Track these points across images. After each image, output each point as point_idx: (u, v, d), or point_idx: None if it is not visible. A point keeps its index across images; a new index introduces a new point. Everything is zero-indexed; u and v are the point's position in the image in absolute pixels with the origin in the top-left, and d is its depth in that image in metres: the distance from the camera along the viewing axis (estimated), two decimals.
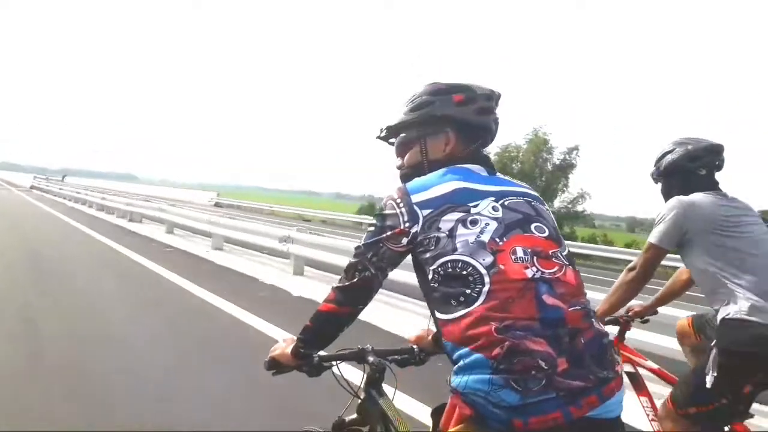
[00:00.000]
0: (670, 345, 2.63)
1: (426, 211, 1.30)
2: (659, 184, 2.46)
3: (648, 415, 2.39)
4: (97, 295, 6.27)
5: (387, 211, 1.35)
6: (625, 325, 2.64)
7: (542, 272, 1.23)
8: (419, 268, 1.33)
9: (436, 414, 1.35)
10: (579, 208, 26.65)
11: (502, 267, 1.21)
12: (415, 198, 1.33)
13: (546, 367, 1.11)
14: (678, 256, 2.31)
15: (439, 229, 1.28)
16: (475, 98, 1.46)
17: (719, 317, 2.08)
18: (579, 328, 1.18)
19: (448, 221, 1.28)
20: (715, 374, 2.00)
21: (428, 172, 1.43)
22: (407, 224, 1.31)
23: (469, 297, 1.20)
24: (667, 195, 2.37)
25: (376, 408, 1.54)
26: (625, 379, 2.24)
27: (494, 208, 1.31)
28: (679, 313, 2.88)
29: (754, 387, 2.01)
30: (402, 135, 1.55)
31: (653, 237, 2.25)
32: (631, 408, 1.96)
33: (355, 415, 1.64)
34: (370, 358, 1.54)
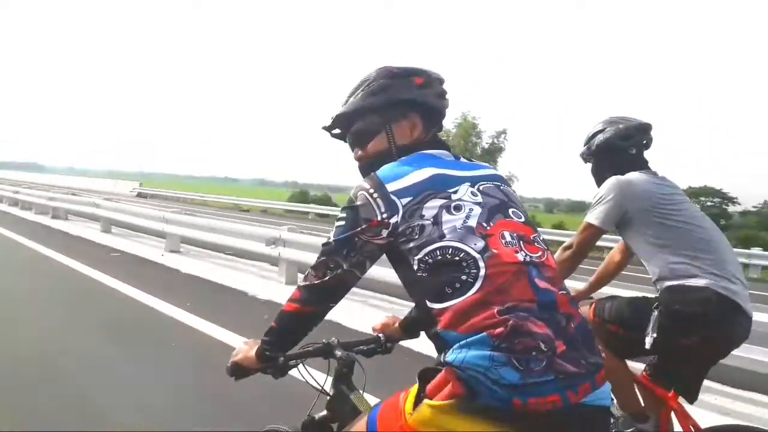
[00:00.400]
0: None
1: (405, 200, 1.28)
2: (589, 164, 2.48)
3: None
4: (44, 324, 4.64)
5: (359, 203, 1.31)
6: None
7: (530, 256, 1.24)
8: (399, 259, 1.29)
9: (424, 378, 1.22)
10: None
11: (495, 251, 1.21)
12: (391, 187, 1.30)
13: (546, 349, 1.11)
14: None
15: (422, 216, 1.26)
16: (431, 82, 1.47)
17: (665, 285, 2.12)
18: (570, 312, 1.21)
19: (431, 208, 1.26)
20: (654, 335, 2.08)
21: (397, 158, 1.41)
22: (385, 215, 1.28)
23: (465, 283, 1.18)
24: (598, 174, 2.41)
25: (347, 403, 1.50)
26: None
27: (473, 194, 1.31)
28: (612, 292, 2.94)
29: (692, 350, 2.05)
30: (359, 123, 1.48)
31: (593, 217, 2.28)
32: None
33: (325, 413, 1.58)
34: (338, 352, 1.52)
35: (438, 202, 1.25)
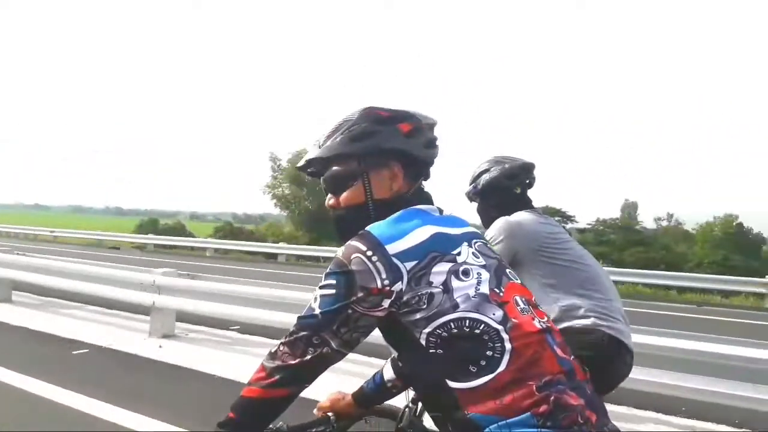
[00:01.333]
0: None
1: (409, 264, 1.12)
2: (476, 205, 2.52)
3: None
4: None
5: (354, 267, 1.12)
6: None
7: (542, 322, 1.18)
8: (400, 332, 1.14)
9: None
10: None
11: (515, 320, 1.12)
12: (392, 248, 1.13)
13: (583, 421, 1.07)
14: None
15: (430, 283, 1.12)
16: (421, 129, 1.32)
17: (557, 328, 1.94)
18: (585, 378, 1.18)
19: (438, 273, 1.13)
20: None
21: (373, 213, 1.26)
22: (387, 282, 1.11)
23: (491, 359, 1.08)
24: (484, 213, 2.47)
25: None
26: None
27: (474, 255, 1.20)
28: None
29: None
30: (334, 168, 1.31)
31: None
32: None
33: None
34: None
35: (445, 266, 1.14)
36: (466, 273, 1.14)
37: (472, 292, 1.12)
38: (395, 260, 1.11)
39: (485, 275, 1.16)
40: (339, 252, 1.16)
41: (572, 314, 2.13)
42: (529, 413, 1.04)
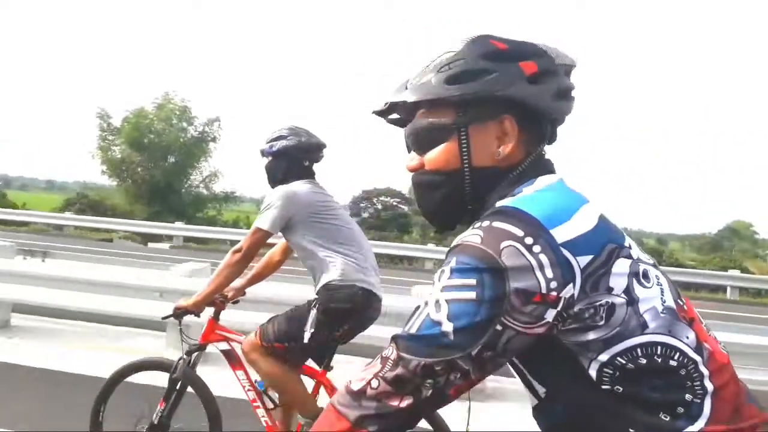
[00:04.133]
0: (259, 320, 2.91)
1: (584, 259, 0.80)
2: (266, 161, 2.81)
3: (244, 386, 2.73)
4: None
5: (507, 262, 0.78)
6: (220, 305, 2.83)
7: (721, 345, 0.91)
8: (558, 359, 0.83)
9: None
10: (216, 188, 26.53)
11: (708, 347, 0.85)
12: (559, 235, 0.80)
13: None
14: None
15: (610, 290, 0.80)
16: (554, 71, 0.95)
17: (321, 283, 2.62)
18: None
19: (619, 275, 0.81)
20: (312, 330, 2.54)
21: (468, 186, 0.94)
22: (554, 284, 0.78)
23: (690, 405, 0.80)
24: (271, 173, 2.78)
25: None
26: (222, 356, 2.77)
27: (639, 248, 0.90)
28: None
29: (342, 336, 2.63)
30: (422, 118, 0.97)
31: (262, 222, 2.63)
32: (232, 381, 2.74)
33: None
34: None
35: (625, 265, 0.83)
36: (646, 276, 0.85)
37: (659, 305, 0.84)
38: (565, 252, 0.80)
39: (663, 281, 0.88)
40: (472, 237, 0.83)
41: (334, 270, 2.61)
42: None
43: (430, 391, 0.80)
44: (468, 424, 1.11)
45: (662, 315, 0.82)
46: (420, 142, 0.98)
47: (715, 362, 0.84)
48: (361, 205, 27.66)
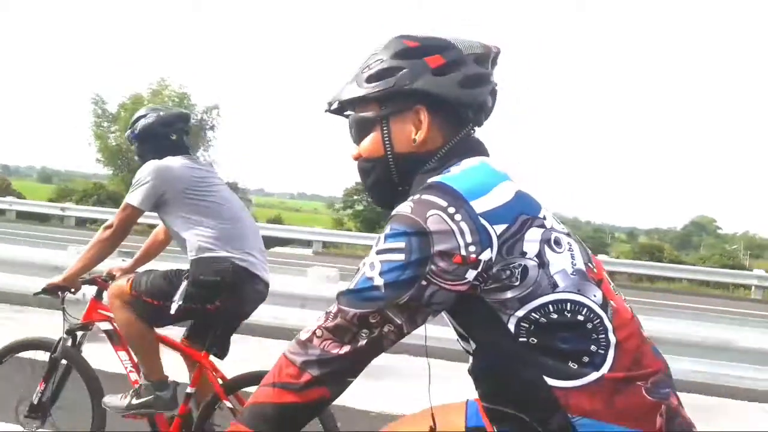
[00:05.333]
0: None
1: (499, 227, 0.94)
2: (135, 148, 2.78)
3: (126, 367, 2.67)
4: None
5: (432, 227, 0.92)
6: (102, 284, 2.76)
7: (626, 301, 1.05)
8: (482, 315, 0.96)
9: None
10: None
11: (614, 304, 0.98)
12: (478, 206, 0.94)
13: (687, 424, 0.99)
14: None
15: (523, 253, 0.94)
16: (460, 62, 1.07)
17: (193, 257, 2.54)
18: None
19: (531, 242, 0.95)
20: (181, 302, 2.47)
21: (394, 169, 1.09)
22: (472, 248, 0.92)
23: (594, 355, 0.93)
24: (141, 157, 2.71)
25: None
26: (104, 335, 2.72)
27: (556, 220, 1.03)
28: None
29: (213, 312, 2.52)
30: (353, 112, 1.14)
31: (132, 199, 2.56)
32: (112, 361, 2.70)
33: None
34: None
35: (537, 233, 0.96)
36: (557, 243, 0.98)
37: (569, 267, 0.97)
38: (483, 221, 0.93)
39: (575, 246, 1.01)
40: (404, 208, 0.97)
41: (208, 247, 2.53)
42: (640, 430, 0.93)
43: (366, 341, 0.93)
44: (434, 421, 1.19)
45: (572, 276, 0.95)
46: (355, 134, 1.14)
47: (619, 318, 0.97)
48: (355, 197, 27.31)
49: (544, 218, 0.99)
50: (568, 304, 0.94)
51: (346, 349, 0.93)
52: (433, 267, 0.91)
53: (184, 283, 2.52)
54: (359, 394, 2.33)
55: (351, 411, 3.33)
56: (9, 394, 2.71)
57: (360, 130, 1.13)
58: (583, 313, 0.94)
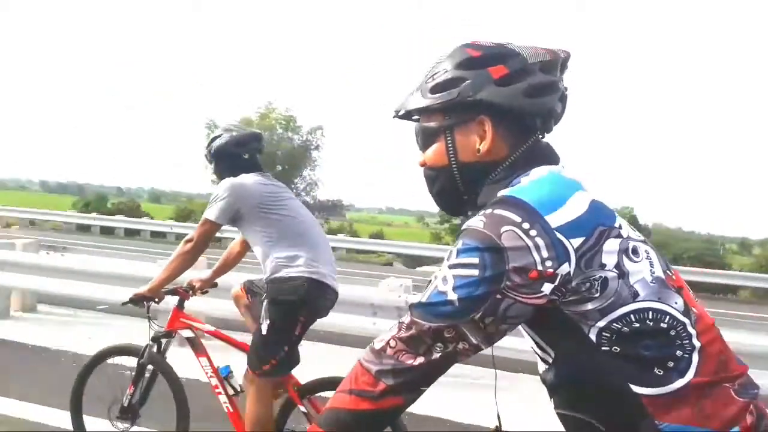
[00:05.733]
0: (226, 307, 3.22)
1: (576, 241, 0.93)
2: (211, 167, 2.94)
3: (207, 372, 2.82)
4: None
5: (506, 243, 0.91)
6: (184, 294, 2.96)
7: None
8: (562, 327, 0.96)
9: None
10: (320, 196, 27.22)
11: (695, 311, 0.98)
12: (553, 220, 0.93)
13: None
14: None
15: (603, 266, 0.93)
16: (523, 71, 1.06)
17: (269, 277, 2.66)
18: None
19: (610, 253, 0.94)
20: (268, 321, 2.60)
21: (459, 179, 1.10)
22: (549, 263, 0.90)
23: (680, 360, 0.92)
24: (217, 174, 2.88)
25: None
26: (186, 343, 2.90)
27: (631, 227, 1.02)
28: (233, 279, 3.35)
29: (301, 329, 2.65)
30: (422, 121, 1.14)
31: (210, 214, 2.71)
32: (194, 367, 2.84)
33: None
34: None
35: (615, 244, 0.95)
36: (635, 251, 0.97)
37: (648, 276, 0.96)
38: (559, 235, 0.92)
39: (653, 254, 1.00)
40: (476, 222, 0.95)
41: (282, 265, 2.64)
42: (737, 428, 0.92)
43: (440, 354, 0.93)
44: (499, 422, 1.20)
45: (651, 284, 0.95)
46: (421, 142, 1.15)
47: (702, 323, 0.96)
48: None
49: (620, 227, 0.98)
50: (650, 313, 0.93)
51: (420, 360, 0.94)
52: (508, 282, 0.91)
53: (265, 304, 2.66)
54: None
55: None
56: (104, 396, 2.89)
57: (425, 139, 1.14)
58: (666, 320, 0.94)
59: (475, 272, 0.91)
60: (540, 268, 0.90)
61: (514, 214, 0.93)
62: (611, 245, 0.94)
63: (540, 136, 1.11)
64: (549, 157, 1.09)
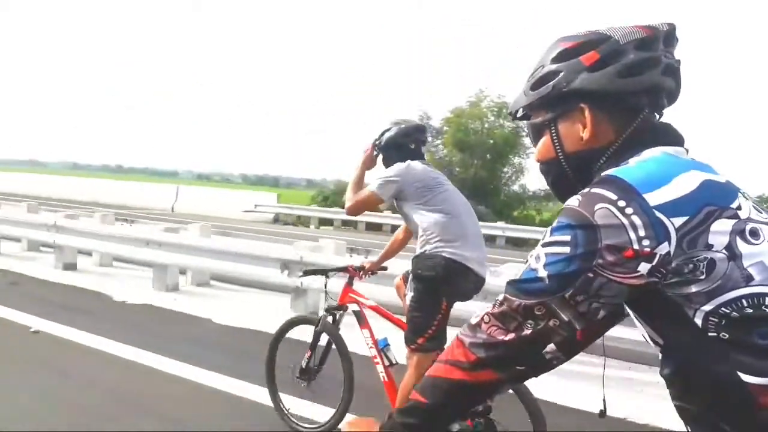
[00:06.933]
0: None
1: (678, 220, 0.90)
2: (381, 157, 3.26)
3: (368, 343, 3.21)
4: None
5: (600, 221, 0.91)
6: (354, 273, 3.41)
7: None
8: (664, 309, 0.92)
9: None
10: (530, 186, 25.88)
11: None
12: (652, 198, 0.91)
13: None
14: None
15: (709, 246, 0.89)
16: (617, 53, 1.05)
17: (417, 252, 3.01)
18: None
19: (719, 233, 0.89)
20: (411, 293, 2.94)
21: (570, 169, 1.12)
22: (646, 242, 0.89)
23: None
24: (386, 162, 3.22)
25: None
26: (353, 316, 3.30)
27: (756, 209, 0.96)
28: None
29: (444, 307, 2.91)
30: (531, 118, 1.19)
31: (376, 187, 3.08)
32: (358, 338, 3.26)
33: None
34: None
35: (727, 224, 0.91)
36: (754, 234, 0.92)
37: (766, 258, 0.91)
38: (658, 214, 0.90)
39: None
40: (572, 201, 0.97)
41: (429, 243, 2.97)
42: None
43: (530, 331, 0.95)
44: (605, 406, 1.26)
45: None
46: (532, 139, 1.21)
47: None
48: None
49: (739, 208, 0.94)
50: (766, 299, 0.88)
51: (511, 336, 0.96)
52: (600, 261, 0.90)
53: (410, 278, 3.02)
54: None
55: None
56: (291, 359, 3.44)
57: (535, 135, 1.18)
58: None
59: (567, 249, 0.92)
60: (636, 247, 0.89)
61: (609, 191, 0.93)
62: (721, 225, 0.90)
63: (653, 116, 1.10)
64: (666, 137, 1.07)
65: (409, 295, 2.96)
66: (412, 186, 3.05)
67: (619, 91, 1.06)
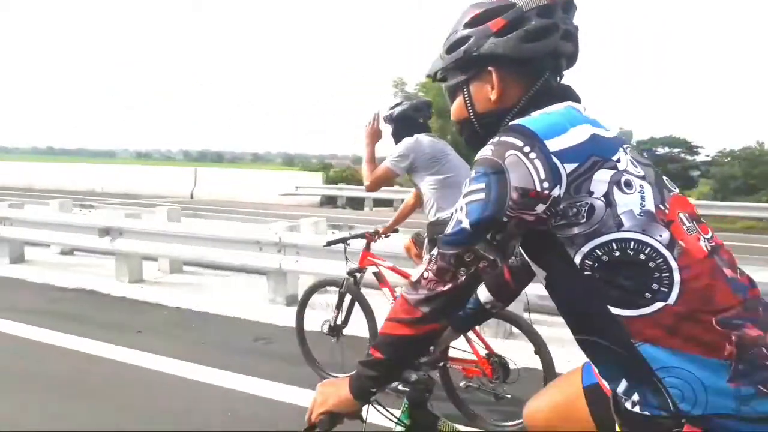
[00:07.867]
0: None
1: (570, 166, 1.01)
2: (390, 128, 3.57)
3: (389, 300, 3.57)
4: None
5: (509, 167, 1.02)
6: (370, 238, 3.78)
7: (708, 241, 1.06)
8: (550, 248, 1.05)
9: (631, 422, 1.04)
10: None
11: (682, 244, 1.01)
12: (551, 145, 1.02)
13: (766, 353, 0.97)
14: None
15: (591, 193, 1.00)
16: (520, 19, 1.16)
17: (430, 220, 3.37)
18: (755, 292, 1.06)
19: (600, 182, 1.01)
20: (428, 257, 2.84)
21: (479, 128, 1.23)
22: (545, 184, 1.00)
23: (657, 292, 0.98)
24: (396, 135, 3.54)
25: None
26: (373, 276, 3.69)
27: (632, 163, 1.06)
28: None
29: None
30: (447, 80, 1.29)
31: (389, 162, 3.43)
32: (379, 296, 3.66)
33: None
34: (413, 375, 1.25)
35: (607, 175, 1.02)
36: (628, 184, 1.02)
37: (636, 208, 1.00)
38: (555, 160, 1.00)
39: (648, 189, 1.04)
40: (486, 150, 1.06)
41: (442, 208, 3.34)
42: (715, 358, 0.95)
43: (463, 276, 1.05)
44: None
45: (638, 216, 1.00)
46: (449, 100, 1.30)
47: (688, 257, 1.00)
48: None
49: (618, 161, 1.04)
50: (632, 243, 0.98)
51: (449, 286, 1.05)
52: (510, 202, 1.01)
53: (425, 241, 3.44)
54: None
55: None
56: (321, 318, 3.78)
57: (451, 96, 1.29)
58: (646, 252, 0.98)
59: (482, 195, 1.02)
60: (538, 189, 1.00)
61: (516, 139, 1.03)
62: (602, 175, 1.01)
63: (555, 79, 1.20)
64: (565, 97, 1.16)
65: (426, 258, 3.32)
66: (422, 159, 3.39)
67: (523, 54, 1.16)
